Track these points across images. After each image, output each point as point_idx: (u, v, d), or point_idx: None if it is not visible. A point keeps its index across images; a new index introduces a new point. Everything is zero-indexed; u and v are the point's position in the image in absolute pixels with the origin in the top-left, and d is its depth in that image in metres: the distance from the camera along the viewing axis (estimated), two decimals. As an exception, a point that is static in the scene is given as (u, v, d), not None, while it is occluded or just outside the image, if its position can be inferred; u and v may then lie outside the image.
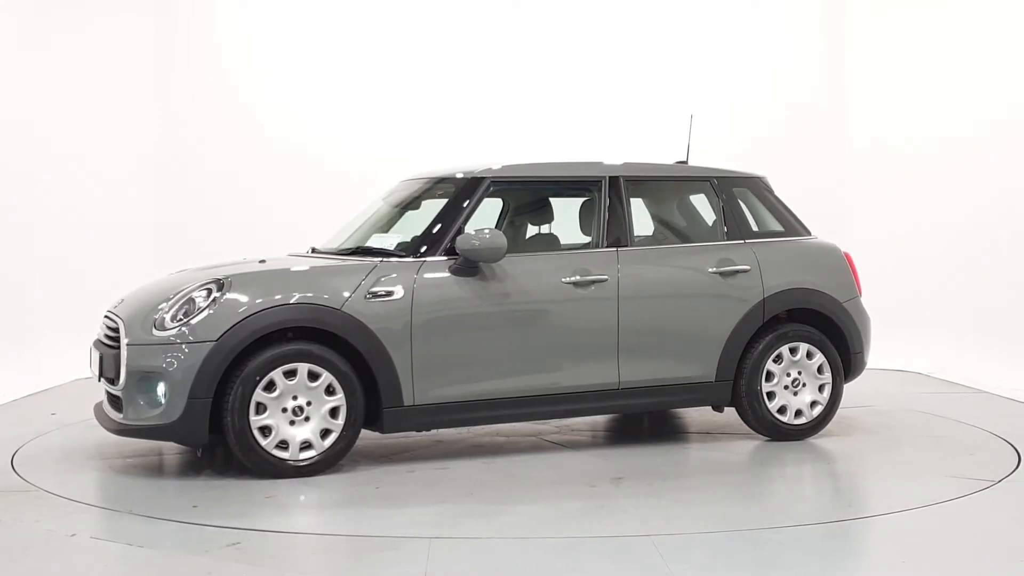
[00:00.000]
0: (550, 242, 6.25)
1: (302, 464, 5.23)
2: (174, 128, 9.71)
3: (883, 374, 6.38)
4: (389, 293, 5.38)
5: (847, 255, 6.49)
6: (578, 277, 5.74)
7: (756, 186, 6.45)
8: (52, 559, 4.05)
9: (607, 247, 5.90)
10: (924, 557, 4.07)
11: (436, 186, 6.09)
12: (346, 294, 5.30)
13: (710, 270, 6.02)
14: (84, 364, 5.77)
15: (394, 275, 5.44)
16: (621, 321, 5.79)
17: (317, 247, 6.31)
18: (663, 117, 9.60)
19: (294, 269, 5.54)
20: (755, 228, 6.31)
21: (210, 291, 5.24)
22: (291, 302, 5.21)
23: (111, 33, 9.45)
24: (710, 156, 6.87)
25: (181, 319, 5.18)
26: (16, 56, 8.71)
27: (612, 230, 5.94)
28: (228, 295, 5.19)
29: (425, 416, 5.50)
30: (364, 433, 5.50)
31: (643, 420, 6.86)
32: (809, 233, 6.51)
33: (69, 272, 9.06)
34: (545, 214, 6.30)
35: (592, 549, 4.14)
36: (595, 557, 4.03)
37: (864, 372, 6.53)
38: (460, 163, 6.34)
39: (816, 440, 6.15)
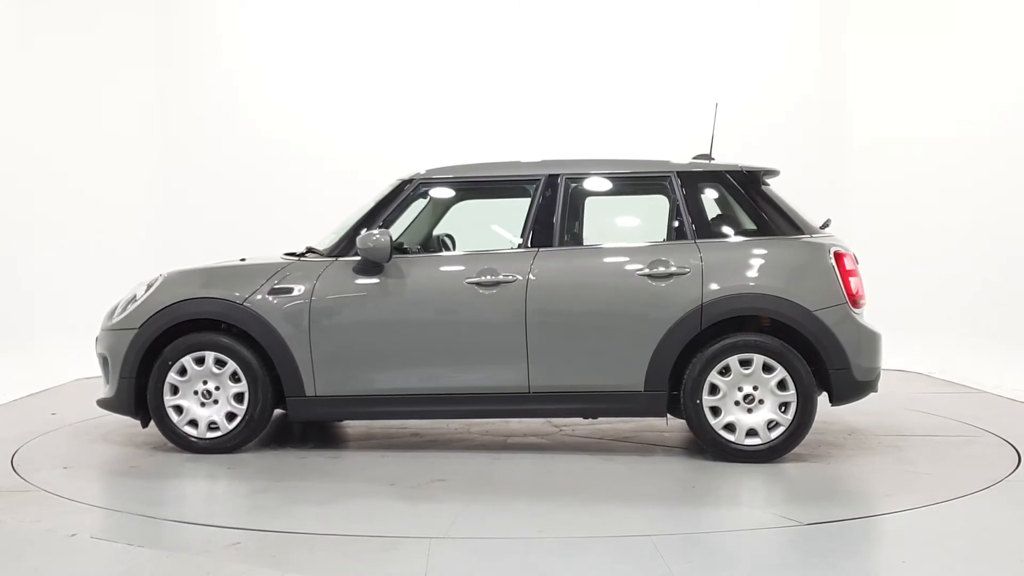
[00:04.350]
0: (471, 243, 6.20)
1: (209, 442, 5.76)
2: (174, 129, 9.72)
3: (883, 374, 6.35)
4: (290, 290, 5.74)
5: (841, 257, 5.69)
6: (481, 278, 5.68)
7: (733, 181, 5.87)
8: (52, 559, 4.05)
9: (530, 247, 5.77)
10: (924, 557, 4.08)
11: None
12: (250, 290, 5.75)
13: (638, 272, 5.65)
14: (84, 364, 5.91)
15: (300, 273, 5.79)
16: (529, 324, 5.64)
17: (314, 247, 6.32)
18: (663, 116, 9.63)
19: (217, 267, 6.02)
20: (717, 228, 5.81)
21: (148, 286, 5.90)
22: (197, 297, 5.76)
23: (111, 33, 9.45)
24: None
25: (123, 310, 5.88)
26: (16, 56, 8.71)
27: (538, 230, 5.79)
28: (155, 290, 5.84)
29: (328, 408, 5.76)
30: (360, 425, 5.49)
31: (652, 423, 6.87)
32: (802, 232, 5.77)
33: (69, 273, 9.06)
34: (473, 215, 6.31)
35: (592, 549, 4.14)
36: (595, 557, 4.03)
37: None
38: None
39: (816, 437, 6.06)
